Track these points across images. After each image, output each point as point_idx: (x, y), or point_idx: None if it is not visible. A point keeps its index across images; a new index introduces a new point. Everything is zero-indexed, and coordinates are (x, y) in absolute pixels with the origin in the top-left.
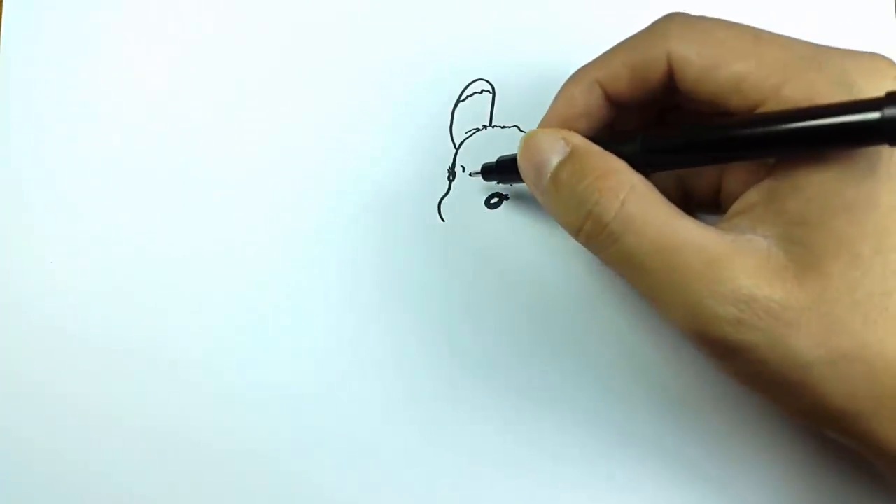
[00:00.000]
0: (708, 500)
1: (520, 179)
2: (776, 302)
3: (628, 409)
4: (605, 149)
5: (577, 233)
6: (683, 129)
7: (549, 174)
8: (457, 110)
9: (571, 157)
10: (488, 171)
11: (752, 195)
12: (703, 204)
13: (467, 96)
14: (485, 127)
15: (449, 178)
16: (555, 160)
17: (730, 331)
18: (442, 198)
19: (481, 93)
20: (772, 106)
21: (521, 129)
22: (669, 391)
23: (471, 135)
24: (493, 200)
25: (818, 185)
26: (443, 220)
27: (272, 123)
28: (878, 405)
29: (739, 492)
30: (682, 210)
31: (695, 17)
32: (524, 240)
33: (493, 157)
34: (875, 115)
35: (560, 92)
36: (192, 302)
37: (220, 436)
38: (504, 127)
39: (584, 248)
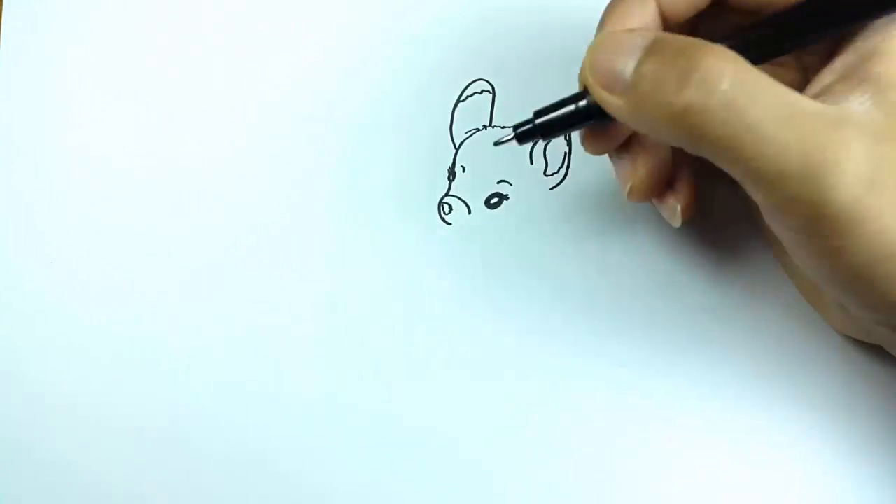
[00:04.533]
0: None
1: (567, 130)
2: (895, 160)
3: (631, 408)
4: None
5: (682, 112)
6: (764, 21)
7: (630, 72)
8: (457, 110)
9: (657, 43)
10: (527, 133)
11: (826, 76)
12: None
13: (467, 96)
14: (485, 127)
15: (449, 178)
16: (635, 56)
17: (862, 193)
18: (442, 198)
19: (481, 93)
20: None
21: None
22: (673, 392)
23: (471, 135)
24: (493, 200)
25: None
26: (443, 219)
27: (272, 123)
28: None
29: None
30: None
31: None
32: (524, 240)
33: (493, 157)
34: None
35: (610, 8)
36: (191, 301)
37: (220, 436)
38: (504, 127)
39: (584, 250)
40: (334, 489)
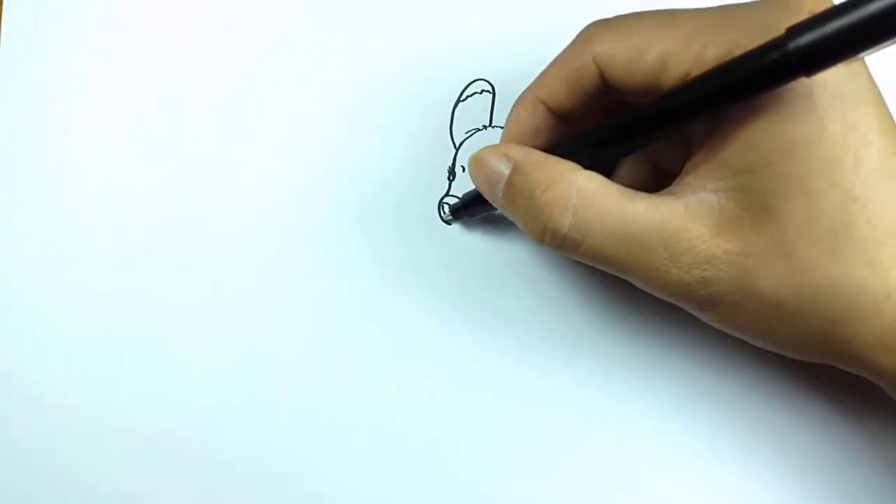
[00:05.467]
0: None
1: (485, 210)
2: (735, 253)
3: (631, 407)
4: (554, 152)
5: (541, 243)
6: (617, 118)
7: (500, 192)
8: (457, 110)
9: (515, 172)
10: (457, 211)
11: (699, 155)
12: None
13: (467, 96)
14: (485, 127)
15: (449, 178)
16: (504, 175)
17: (699, 288)
18: (442, 198)
19: (481, 93)
20: (697, 73)
21: None
22: (672, 385)
23: (471, 135)
24: None
25: (756, 131)
26: (443, 219)
27: (271, 124)
28: (862, 330)
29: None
30: (642, 189)
31: (613, 17)
32: (524, 239)
33: None
34: (780, 52)
35: (508, 116)
36: (191, 302)
37: (220, 437)
38: (504, 127)
39: None
40: (333, 490)
